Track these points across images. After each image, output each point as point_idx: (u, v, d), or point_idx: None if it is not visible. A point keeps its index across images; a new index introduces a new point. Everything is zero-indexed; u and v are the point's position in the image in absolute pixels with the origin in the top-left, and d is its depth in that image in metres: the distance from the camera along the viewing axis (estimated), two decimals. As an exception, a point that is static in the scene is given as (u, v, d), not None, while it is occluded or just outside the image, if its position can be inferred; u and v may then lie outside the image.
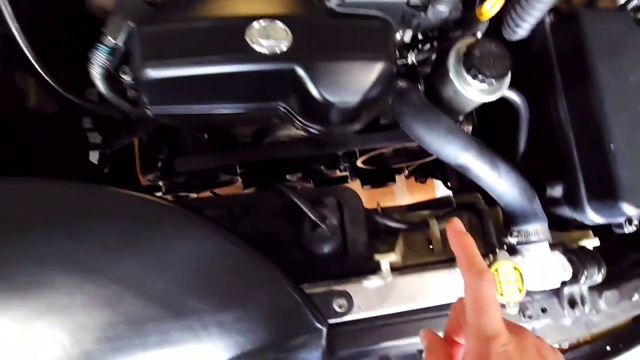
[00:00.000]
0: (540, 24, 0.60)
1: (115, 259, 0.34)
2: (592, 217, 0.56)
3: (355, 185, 0.96)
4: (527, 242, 0.52)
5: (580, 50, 0.55)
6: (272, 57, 0.40)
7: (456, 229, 0.36)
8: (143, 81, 0.40)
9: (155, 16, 0.42)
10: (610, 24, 0.55)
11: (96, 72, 0.44)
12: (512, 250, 0.52)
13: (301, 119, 0.47)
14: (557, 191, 0.59)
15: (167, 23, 0.41)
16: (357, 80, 0.43)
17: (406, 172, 1.00)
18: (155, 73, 0.39)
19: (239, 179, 0.70)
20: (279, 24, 0.40)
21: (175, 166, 0.62)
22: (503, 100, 0.59)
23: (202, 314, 0.35)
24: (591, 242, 0.60)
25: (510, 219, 0.55)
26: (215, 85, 0.42)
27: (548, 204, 0.60)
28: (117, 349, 0.33)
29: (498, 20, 0.59)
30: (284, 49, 0.40)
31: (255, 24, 0.39)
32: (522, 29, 0.57)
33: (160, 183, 0.68)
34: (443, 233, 0.54)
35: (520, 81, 0.63)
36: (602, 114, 0.53)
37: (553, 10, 0.60)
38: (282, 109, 0.47)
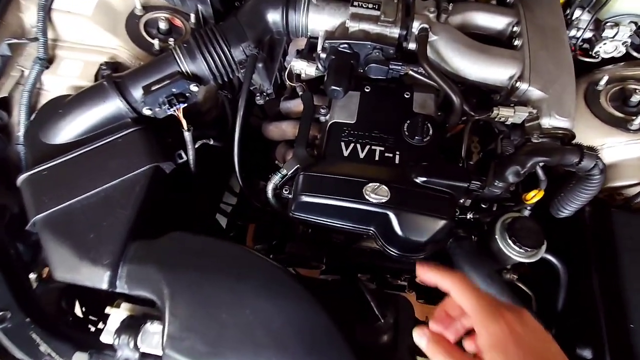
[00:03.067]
0: (581, 209, 0.78)
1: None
2: (616, 385, 0.64)
3: (410, 296, 1.11)
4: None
5: (610, 242, 0.71)
6: (377, 205, 0.65)
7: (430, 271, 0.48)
8: (298, 202, 0.68)
9: (313, 165, 0.72)
10: (637, 227, 0.71)
11: (270, 186, 0.75)
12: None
13: (384, 243, 0.70)
14: (586, 353, 0.69)
15: (320, 172, 0.70)
16: (426, 228, 0.66)
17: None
18: (307, 199, 0.67)
19: (324, 266, 0.94)
20: (384, 187, 0.66)
21: (286, 247, 0.89)
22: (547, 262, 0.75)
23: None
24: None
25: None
26: (341, 211, 0.68)
27: (576, 362, 0.69)
28: None
29: (548, 199, 0.78)
30: (384, 201, 0.65)
31: (371, 184, 0.67)
32: (565, 213, 0.76)
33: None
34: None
35: (564, 248, 0.78)
36: (624, 298, 0.65)
37: (593, 201, 0.77)
38: (373, 232, 0.71)
